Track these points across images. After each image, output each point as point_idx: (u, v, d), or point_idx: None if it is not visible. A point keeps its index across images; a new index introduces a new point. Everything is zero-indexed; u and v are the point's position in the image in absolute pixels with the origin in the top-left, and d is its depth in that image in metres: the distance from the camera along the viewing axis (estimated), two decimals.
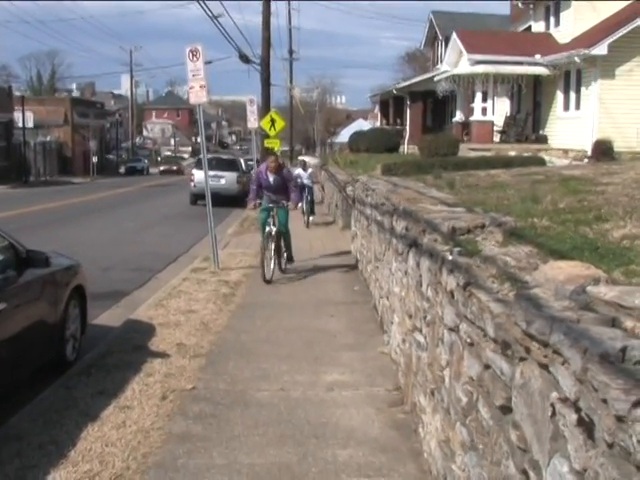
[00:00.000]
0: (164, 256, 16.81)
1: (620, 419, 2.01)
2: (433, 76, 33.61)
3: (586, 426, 2.28)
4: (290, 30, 63.81)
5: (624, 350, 2.26)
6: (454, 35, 30.46)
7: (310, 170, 24.15)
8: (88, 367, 7.90)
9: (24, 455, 5.60)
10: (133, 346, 8.63)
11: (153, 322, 9.77)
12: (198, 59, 13.41)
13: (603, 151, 22.43)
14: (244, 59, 28.88)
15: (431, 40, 45.07)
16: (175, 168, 77.11)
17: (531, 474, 2.80)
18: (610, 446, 2.09)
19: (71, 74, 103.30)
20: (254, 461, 5.50)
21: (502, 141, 28.88)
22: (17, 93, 64.00)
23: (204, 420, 6.32)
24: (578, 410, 2.33)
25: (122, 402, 6.75)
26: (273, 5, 28.81)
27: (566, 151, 24.94)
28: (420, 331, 5.84)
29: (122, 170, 73.92)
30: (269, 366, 7.85)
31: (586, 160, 22.38)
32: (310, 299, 11.46)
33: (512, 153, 25.19)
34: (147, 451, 5.67)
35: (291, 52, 66.96)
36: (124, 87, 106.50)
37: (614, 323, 2.67)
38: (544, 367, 2.69)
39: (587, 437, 2.27)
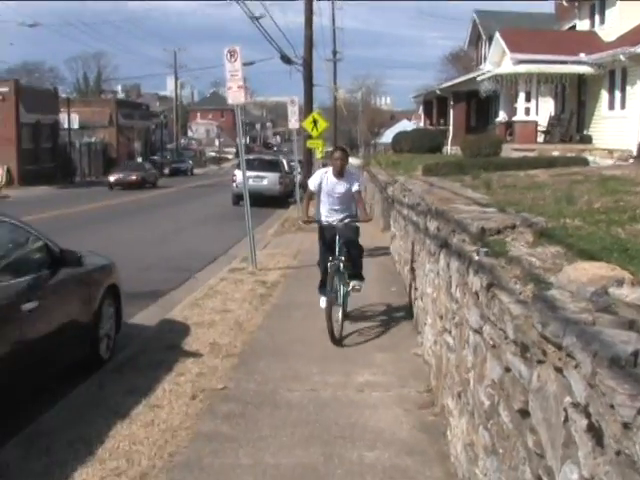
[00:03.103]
0: (203, 256, 16.88)
1: (626, 426, 1.94)
2: (476, 76, 33.27)
3: (595, 432, 2.21)
4: (334, 30, 63.75)
5: (637, 354, 2.18)
6: (497, 34, 30.16)
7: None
8: (121, 366, 7.95)
9: (53, 451, 5.64)
10: (167, 345, 8.66)
11: (188, 322, 9.80)
12: (236, 60, 13.45)
13: None
14: (285, 60, 28.91)
15: (475, 40, 44.69)
16: (134, 178, 47.03)
17: None
18: (618, 454, 2.02)
19: (117, 76, 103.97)
20: (280, 461, 5.48)
21: (546, 141, 28.51)
22: (63, 95, 64.80)
23: (232, 420, 6.31)
24: (588, 416, 2.26)
25: (152, 401, 6.77)
26: (315, 5, 28.81)
27: (611, 151, 24.53)
28: (450, 332, 5.77)
29: (166, 171, 74.37)
30: (301, 366, 7.82)
31: (631, 160, 21.97)
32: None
33: (555, 153, 24.84)
34: (174, 450, 5.68)
35: (335, 52, 66.93)
36: (169, 88, 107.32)
37: (632, 326, 2.60)
38: (559, 370, 2.62)
39: (596, 444, 2.20)
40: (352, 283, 9.72)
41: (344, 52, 66.45)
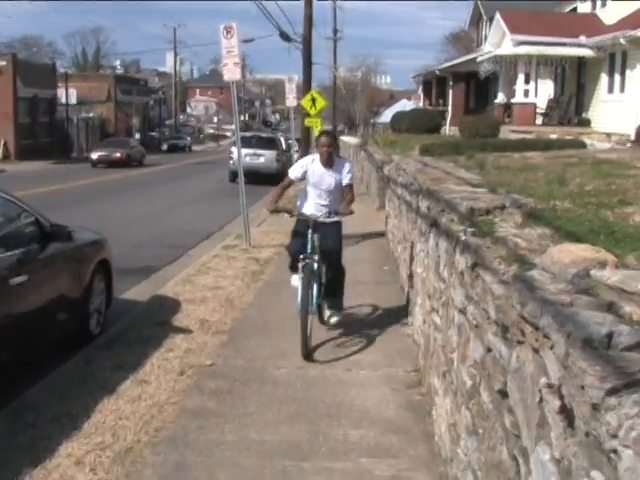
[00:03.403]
0: (197, 233, 16.87)
1: (594, 407, 1.93)
2: (476, 57, 33.16)
3: (567, 414, 2.20)
4: (334, 8, 63.41)
5: (610, 336, 2.17)
6: (497, 15, 29.99)
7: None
8: (110, 341, 7.95)
9: (38, 426, 5.64)
10: (157, 321, 8.66)
11: (179, 298, 9.80)
12: (232, 36, 13.36)
13: None
14: (285, 37, 28.76)
15: (475, 20, 44.41)
16: (118, 156, 44.24)
17: (520, 461, 2.73)
18: (587, 435, 2.01)
19: (115, 51, 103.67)
20: (264, 438, 5.49)
21: (544, 124, 28.42)
22: (61, 70, 64.50)
23: (219, 396, 6.32)
24: (561, 397, 2.25)
25: (140, 376, 6.77)
26: None
27: (609, 135, 24.47)
28: (437, 312, 5.77)
29: (164, 147, 74.21)
30: (289, 344, 7.80)
31: (629, 144, 21.93)
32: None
33: (553, 136, 24.76)
34: (159, 425, 5.68)
35: (335, 31, 66.63)
36: (168, 65, 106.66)
37: (610, 308, 2.58)
38: (536, 351, 2.61)
39: (567, 425, 2.19)
40: (327, 313, 8.33)
41: (344, 31, 66.39)
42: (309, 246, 7.91)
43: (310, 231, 7.91)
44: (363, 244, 14.83)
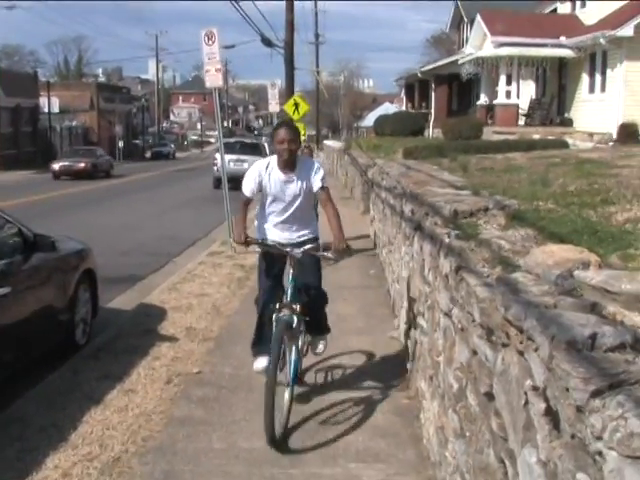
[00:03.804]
0: (183, 240, 16.82)
1: (579, 409, 1.93)
2: (458, 59, 33.28)
3: (553, 416, 2.20)
4: (316, 13, 63.52)
5: (594, 337, 2.18)
6: (478, 17, 30.13)
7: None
8: (96, 351, 7.90)
9: (25, 438, 5.60)
10: (143, 330, 8.62)
11: (165, 306, 9.76)
12: (214, 42, 13.35)
13: (629, 134, 22.05)
14: (266, 43, 28.72)
15: (457, 23, 44.57)
16: (82, 166, 40.53)
17: (507, 463, 2.73)
18: (572, 437, 2.01)
19: (98, 59, 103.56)
20: (253, 445, 5.46)
21: (527, 124, 28.55)
22: (43, 79, 64.28)
23: (207, 404, 6.29)
24: (546, 399, 2.26)
25: (127, 386, 6.73)
26: None
27: (591, 134, 24.60)
28: (423, 316, 5.77)
29: (148, 155, 74.07)
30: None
31: (611, 143, 22.06)
32: (324, 283, 11.36)
33: (536, 136, 24.86)
34: (147, 435, 5.65)
35: (317, 35, 66.69)
36: (151, 72, 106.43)
37: (593, 309, 2.59)
38: (521, 354, 2.62)
39: (553, 427, 2.20)
40: (310, 340, 6.71)
41: (326, 35, 66.67)
42: (289, 292, 6.06)
43: (290, 273, 6.09)
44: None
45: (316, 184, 6.10)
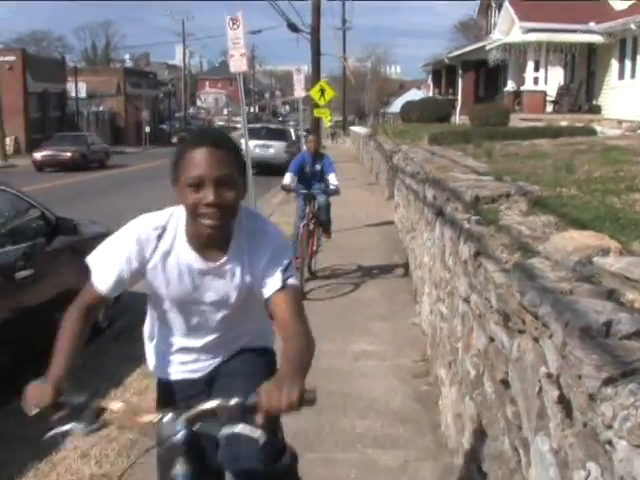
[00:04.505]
0: None
1: (591, 397, 1.89)
2: (485, 45, 32.98)
3: (565, 404, 2.17)
4: None
5: (609, 324, 2.13)
6: (506, 2, 29.83)
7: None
8: (118, 334, 7.95)
9: (45, 419, 5.62)
10: None
11: None
12: (239, 27, 13.31)
13: None
14: (292, 28, 28.68)
15: (485, 8, 44.18)
16: (69, 155, 34.75)
17: (521, 451, 2.69)
18: (584, 425, 1.98)
19: (125, 45, 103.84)
20: None
21: (554, 111, 28.29)
22: (71, 64, 64.62)
23: None
24: (560, 387, 2.22)
25: (147, 369, 6.73)
26: None
27: (620, 122, 24.29)
28: (443, 302, 5.73)
29: (175, 140, 74.27)
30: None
31: (639, 131, 21.78)
32: (347, 268, 11.36)
33: (564, 124, 24.61)
34: None
35: (344, 21, 66.50)
36: (178, 57, 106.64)
37: (611, 295, 2.54)
38: (536, 340, 2.58)
39: (565, 416, 2.16)
40: None
41: (353, 21, 66.23)
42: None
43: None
44: (372, 234, 14.80)
45: (271, 284, 2.74)
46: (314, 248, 10.50)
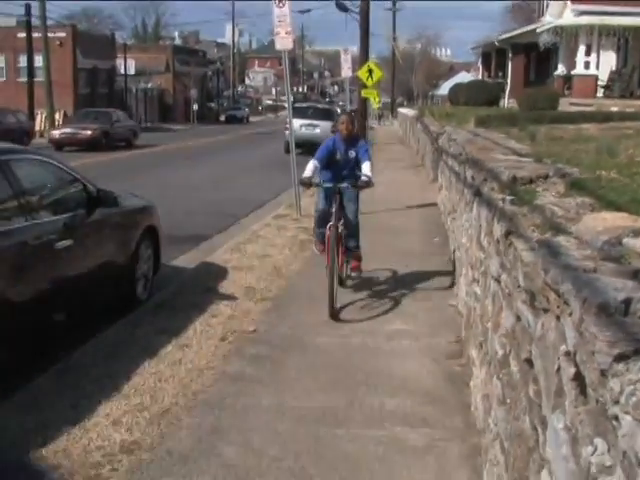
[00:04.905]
0: (250, 202, 16.93)
1: (603, 373, 1.88)
2: (536, 27, 32.49)
3: (580, 381, 2.15)
4: None
5: (628, 302, 2.11)
6: None
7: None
8: (156, 306, 8.03)
9: (80, 387, 5.74)
10: (203, 288, 8.73)
11: (227, 265, 9.85)
12: (284, 5, 13.30)
13: None
14: (341, 8, 28.55)
15: None
16: (89, 134, 32.45)
17: (539, 430, 2.68)
18: (597, 402, 1.96)
19: (175, 22, 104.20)
20: (301, 404, 5.50)
21: (605, 96, 27.81)
22: (120, 41, 65.13)
23: (259, 362, 6.35)
24: (576, 364, 2.20)
25: (182, 341, 6.84)
26: None
27: None
28: (477, 282, 5.70)
29: (222, 118, 74.57)
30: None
31: None
32: (387, 249, 11.33)
33: (614, 109, 24.18)
34: (198, 389, 5.74)
35: (394, 2, 66.03)
36: (227, 36, 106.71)
37: (636, 275, 2.51)
38: (558, 318, 2.56)
39: (579, 393, 2.14)
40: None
41: (403, 1, 65.71)
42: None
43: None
44: (415, 215, 14.75)
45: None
46: (345, 258, 8.81)
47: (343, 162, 8.43)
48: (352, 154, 8.39)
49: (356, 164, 8.43)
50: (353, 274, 8.87)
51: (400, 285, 9.07)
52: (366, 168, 8.23)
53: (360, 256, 8.85)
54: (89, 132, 32.11)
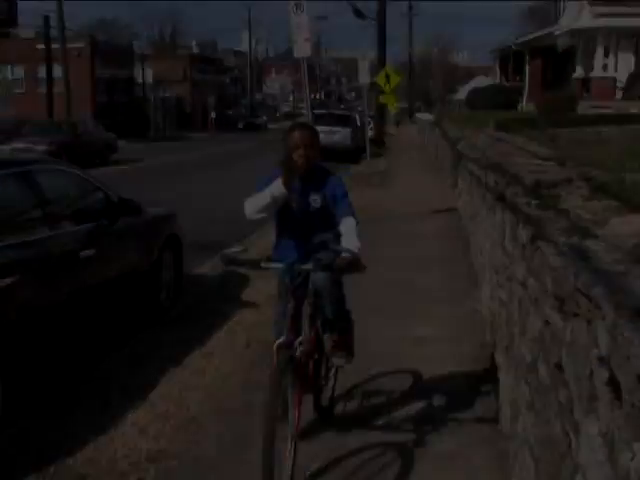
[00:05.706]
0: None
1: (639, 378, 1.87)
2: (553, 30, 32.43)
3: (615, 386, 2.14)
4: None
5: None
6: None
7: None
8: (180, 314, 8.08)
9: (105, 395, 5.77)
10: (226, 295, 8.77)
11: (250, 273, 9.85)
12: (302, 12, 13.34)
13: None
14: (358, 14, 28.62)
15: None
16: (44, 149, 24.58)
17: (571, 435, 2.67)
18: (633, 407, 1.95)
19: (192, 31, 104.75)
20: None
21: (624, 98, 27.71)
22: (138, 51, 65.56)
23: None
24: (610, 369, 2.19)
25: (207, 349, 6.86)
26: None
27: None
28: (502, 287, 5.69)
29: (240, 125, 74.79)
30: (355, 317, 7.77)
31: None
32: (409, 253, 11.33)
33: (634, 111, 24.10)
34: (223, 397, 5.76)
35: (410, 7, 66.10)
36: (244, 44, 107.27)
37: None
38: (589, 323, 2.55)
39: (614, 397, 2.13)
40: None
41: (421, 6, 65.94)
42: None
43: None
44: (435, 220, 14.73)
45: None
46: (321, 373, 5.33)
47: (302, 217, 4.78)
48: (316, 202, 4.75)
49: (327, 219, 4.73)
50: (336, 359, 5.25)
51: (424, 289, 9.04)
52: (348, 233, 4.60)
53: (350, 342, 5.38)
54: (44, 147, 25.38)
